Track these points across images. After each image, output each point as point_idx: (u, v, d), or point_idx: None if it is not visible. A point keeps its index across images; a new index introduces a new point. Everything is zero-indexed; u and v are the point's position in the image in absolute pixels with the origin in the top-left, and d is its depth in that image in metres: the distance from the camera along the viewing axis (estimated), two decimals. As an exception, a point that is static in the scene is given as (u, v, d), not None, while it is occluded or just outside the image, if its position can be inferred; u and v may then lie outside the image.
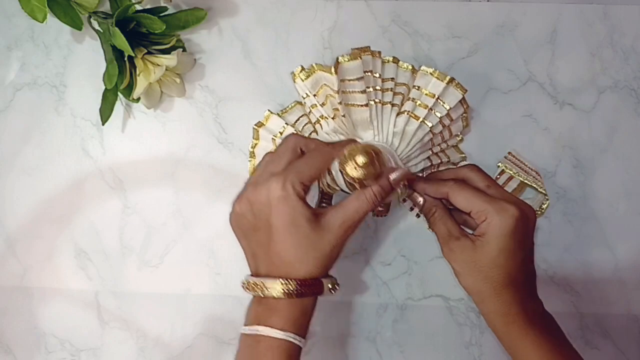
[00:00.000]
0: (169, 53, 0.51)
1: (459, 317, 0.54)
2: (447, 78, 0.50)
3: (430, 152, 0.52)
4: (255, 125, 0.55)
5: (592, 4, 0.57)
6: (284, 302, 0.42)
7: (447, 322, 0.54)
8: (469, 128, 0.55)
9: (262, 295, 0.42)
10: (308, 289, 0.42)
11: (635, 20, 0.56)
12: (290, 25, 0.57)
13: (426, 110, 0.50)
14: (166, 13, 0.53)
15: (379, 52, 0.49)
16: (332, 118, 0.49)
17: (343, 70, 0.47)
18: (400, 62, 0.51)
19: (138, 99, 0.54)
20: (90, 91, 0.56)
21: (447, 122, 0.51)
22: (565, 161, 0.55)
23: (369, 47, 0.48)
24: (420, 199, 0.48)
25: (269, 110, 0.54)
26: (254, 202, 0.43)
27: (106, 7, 0.54)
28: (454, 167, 0.53)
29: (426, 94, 0.51)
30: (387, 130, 0.49)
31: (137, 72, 0.51)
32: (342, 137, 0.49)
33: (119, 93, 0.54)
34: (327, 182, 0.48)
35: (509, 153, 0.55)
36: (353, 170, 0.43)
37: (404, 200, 0.50)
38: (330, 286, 0.44)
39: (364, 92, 0.48)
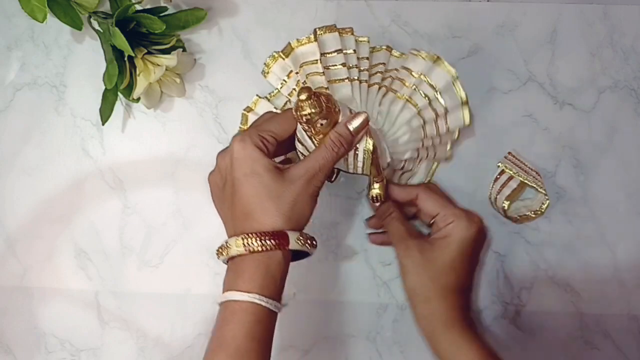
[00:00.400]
0: (169, 53, 0.52)
1: (459, 317, 0.54)
2: (435, 57, 0.50)
3: (421, 143, 0.51)
4: (244, 110, 0.54)
5: (592, 4, 0.57)
6: (248, 262, 0.41)
7: (447, 322, 0.54)
8: (471, 127, 0.54)
9: (227, 257, 0.41)
10: (270, 241, 0.40)
11: (635, 20, 0.56)
12: (290, 25, 0.57)
13: (411, 89, 0.50)
14: (166, 13, 0.53)
15: (351, 29, 0.50)
16: None
17: (321, 42, 0.48)
18: (379, 47, 0.53)
19: (138, 99, 0.54)
20: (90, 91, 0.56)
21: (440, 110, 0.51)
22: (565, 161, 0.55)
23: (334, 25, 0.50)
24: (377, 204, 0.50)
25: (257, 95, 0.54)
26: (220, 164, 0.44)
27: (106, 7, 0.54)
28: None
29: (413, 75, 0.51)
30: (372, 109, 0.50)
31: (137, 72, 0.51)
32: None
33: (119, 93, 0.54)
34: (300, 152, 0.47)
35: (509, 153, 0.55)
36: (299, 109, 0.42)
37: (374, 200, 0.50)
38: (297, 240, 0.41)
39: (344, 65, 0.49)
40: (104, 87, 0.52)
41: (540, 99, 0.56)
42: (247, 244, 0.40)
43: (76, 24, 0.52)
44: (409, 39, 0.56)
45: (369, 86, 0.50)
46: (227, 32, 0.57)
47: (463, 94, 0.51)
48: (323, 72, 0.49)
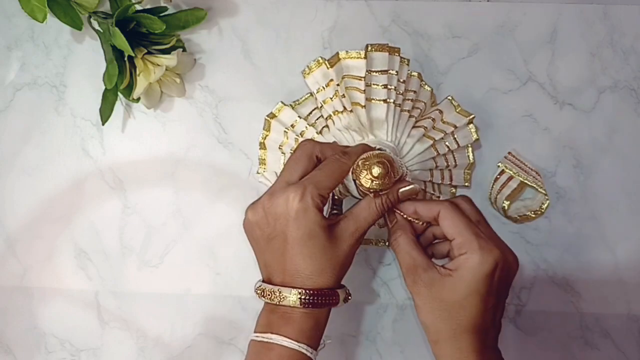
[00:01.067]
0: (169, 53, 0.51)
1: (459, 317, 0.54)
2: (470, 116, 0.52)
3: (426, 180, 0.53)
4: (267, 116, 0.54)
5: (592, 4, 0.57)
6: (298, 312, 0.42)
7: (447, 322, 0.54)
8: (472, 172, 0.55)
9: (277, 304, 0.42)
10: (324, 300, 0.42)
11: (635, 20, 0.56)
12: (290, 25, 0.57)
13: (441, 135, 0.51)
14: (166, 13, 0.53)
15: (408, 60, 0.51)
16: (350, 111, 0.49)
17: (369, 59, 0.48)
18: (423, 82, 0.53)
19: (138, 99, 0.54)
20: (90, 91, 0.56)
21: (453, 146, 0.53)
22: (565, 161, 0.55)
23: (399, 49, 0.49)
24: (394, 218, 0.46)
25: (281, 102, 0.54)
26: (270, 212, 0.43)
27: (106, 7, 0.54)
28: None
29: (444, 122, 0.52)
30: (401, 136, 0.50)
31: (137, 72, 0.51)
32: (355, 135, 0.50)
33: (119, 93, 0.54)
34: (338, 189, 0.48)
35: (509, 153, 0.55)
36: (367, 182, 0.43)
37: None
38: (344, 299, 0.44)
39: (385, 86, 0.48)
40: (104, 87, 0.52)
41: (540, 99, 0.56)
42: (304, 299, 0.42)
43: (76, 24, 0.52)
44: (409, 39, 0.56)
45: (401, 111, 0.50)
46: (227, 32, 0.57)
47: (472, 158, 0.54)
48: (364, 90, 0.48)
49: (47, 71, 0.57)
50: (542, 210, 0.54)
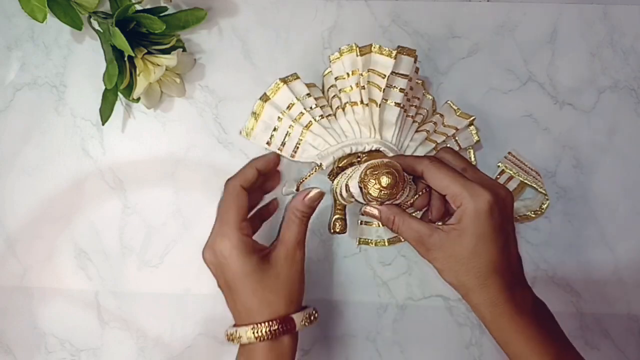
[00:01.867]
0: (169, 53, 0.51)
1: (459, 317, 0.54)
2: (471, 118, 0.52)
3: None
4: (260, 98, 0.52)
5: (592, 4, 0.57)
6: (260, 349, 0.43)
7: (447, 322, 0.54)
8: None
9: (240, 343, 0.44)
10: (278, 329, 0.43)
11: (635, 20, 0.56)
12: (290, 25, 0.57)
13: (443, 137, 0.52)
14: (166, 13, 0.53)
15: (418, 69, 0.51)
16: (366, 105, 0.49)
17: (399, 61, 0.49)
18: (425, 91, 0.54)
19: (138, 99, 0.54)
20: (90, 91, 0.56)
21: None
22: (565, 161, 0.55)
23: (415, 50, 0.50)
24: (375, 211, 0.46)
25: (280, 80, 0.52)
26: (209, 261, 0.46)
27: (106, 7, 0.54)
28: None
29: (445, 125, 0.53)
30: (405, 140, 0.51)
31: (137, 72, 0.51)
32: (364, 130, 0.50)
33: (119, 93, 0.54)
34: (343, 196, 0.47)
35: (509, 153, 0.55)
36: (376, 191, 0.43)
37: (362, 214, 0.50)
38: (303, 320, 0.45)
39: (402, 90, 0.49)
40: (104, 87, 0.52)
41: (540, 99, 0.56)
42: (257, 333, 0.43)
43: (76, 24, 0.52)
44: (409, 39, 0.56)
45: (406, 116, 0.51)
46: (227, 32, 0.57)
47: (473, 160, 0.55)
48: (384, 90, 0.48)
49: (47, 71, 0.57)
50: (542, 210, 0.54)
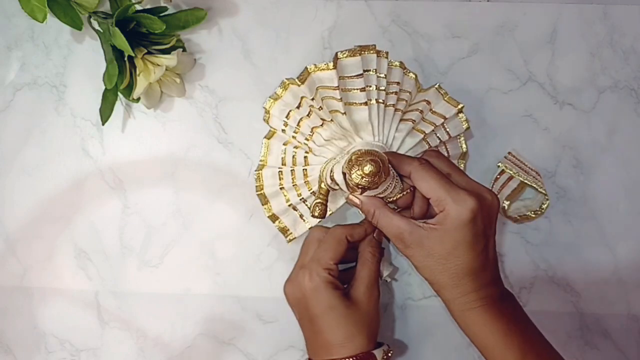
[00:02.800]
0: (169, 53, 0.51)
1: (459, 317, 0.54)
2: (459, 106, 0.51)
3: None
4: (266, 137, 0.53)
5: (592, 4, 0.57)
6: None
7: (447, 322, 0.54)
8: (471, 127, 0.54)
9: None
10: None
11: (635, 20, 0.56)
12: (290, 25, 0.57)
13: (431, 127, 0.50)
14: (166, 13, 0.53)
15: (386, 53, 0.49)
16: (330, 121, 0.48)
17: (341, 66, 0.47)
18: (406, 71, 0.51)
19: (138, 99, 0.54)
20: (90, 91, 0.56)
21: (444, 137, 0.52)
22: (565, 161, 0.55)
23: (375, 45, 0.48)
24: (357, 200, 0.47)
25: (268, 101, 0.52)
26: (291, 297, 0.48)
27: (106, 7, 0.54)
28: None
29: (433, 112, 0.51)
30: (388, 133, 0.49)
31: (137, 72, 0.51)
32: (340, 142, 0.49)
33: (119, 93, 0.54)
34: (327, 181, 0.47)
35: (509, 153, 0.55)
36: (358, 177, 0.43)
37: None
38: (383, 355, 0.46)
39: (363, 90, 0.47)
40: (104, 87, 0.52)
41: (540, 99, 0.56)
42: None
43: (76, 24, 0.52)
44: (409, 39, 0.56)
45: (385, 107, 0.49)
46: (227, 32, 0.57)
47: (464, 147, 0.54)
48: (340, 98, 0.47)
49: (47, 71, 0.57)
50: (542, 210, 0.54)
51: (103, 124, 0.54)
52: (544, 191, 0.53)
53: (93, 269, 0.55)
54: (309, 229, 0.52)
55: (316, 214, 0.48)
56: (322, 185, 0.48)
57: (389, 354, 0.48)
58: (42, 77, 0.57)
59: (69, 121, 0.56)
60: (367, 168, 0.42)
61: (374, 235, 0.50)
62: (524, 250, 0.55)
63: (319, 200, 0.48)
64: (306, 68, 0.47)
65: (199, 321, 0.55)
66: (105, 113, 0.53)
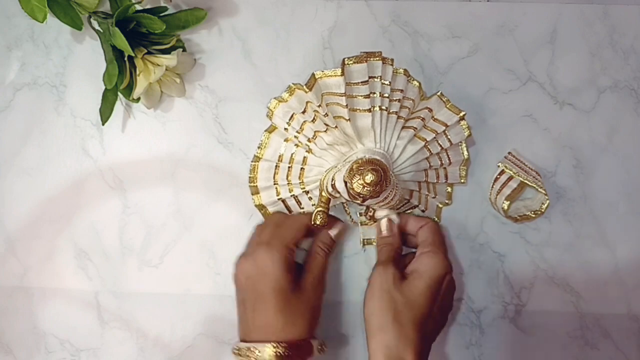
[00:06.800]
0: (169, 53, 0.51)
1: (459, 317, 0.54)
2: (461, 113, 0.51)
3: (421, 180, 0.53)
4: (267, 130, 0.53)
5: (592, 4, 0.57)
6: None
7: (447, 322, 0.54)
8: (471, 127, 0.54)
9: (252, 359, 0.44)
10: (298, 351, 0.44)
11: (635, 20, 0.56)
12: (290, 25, 0.57)
13: (433, 135, 0.51)
14: (166, 13, 0.53)
15: (392, 60, 0.49)
16: (334, 127, 0.48)
17: (348, 72, 0.47)
18: (410, 78, 0.51)
19: (138, 99, 0.54)
20: (90, 91, 0.56)
21: (446, 144, 0.52)
22: (565, 161, 0.55)
23: (381, 52, 0.48)
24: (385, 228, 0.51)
25: (272, 101, 0.52)
26: (244, 270, 0.47)
27: (106, 7, 0.54)
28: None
29: (435, 120, 0.51)
30: (390, 141, 0.49)
31: (137, 72, 0.51)
32: (342, 148, 0.49)
33: (119, 93, 0.54)
34: (328, 189, 0.47)
35: (509, 153, 0.55)
36: (359, 187, 0.43)
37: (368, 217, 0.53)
38: (317, 348, 0.46)
39: (368, 96, 0.47)
40: (104, 87, 0.52)
41: (540, 99, 0.56)
42: (279, 353, 0.44)
43: (76, 24, 0.52)
44: (409, 39, 0.56)
45: (388, 114, 0.49)
46: (227, 32, 0.57)
47: (466, 154, 0.54)
48: (346, 105, 0.47)
49: (47, 71, 0.57)
50: (542, 210, 0.54)
51: (103, 124, 0.54)
52: (544, 191, 0.53)
53: (93, 269, 0.55)
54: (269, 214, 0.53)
55: (318, 222, 0.48)
56: (323, 194, 0.49)
57: (323, 347, 0.48)
58: (42, 77, 0.57)
59: (69, 121, 0.56)
60: (369, 177, 0.43)
61: (330, 231, 0.51)
62: (524, 250, 0.55)
63: (320, 209, 0.49)
64: (313, 74, 0.48)
65: (199, 321, 0.55)
66: (105, 113, 0.54)
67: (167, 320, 0.55)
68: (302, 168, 0.52)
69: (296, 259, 0.50)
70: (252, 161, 0.53)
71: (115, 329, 0.55)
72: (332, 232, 0.52)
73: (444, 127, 0.51)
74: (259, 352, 0.44)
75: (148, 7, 0.53)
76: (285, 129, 0.51)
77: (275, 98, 0.51)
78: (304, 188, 0.52)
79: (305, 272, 0.48)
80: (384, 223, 0.51)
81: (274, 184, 0.53)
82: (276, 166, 0.53)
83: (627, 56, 0.56)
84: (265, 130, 0.53)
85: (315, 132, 0.50)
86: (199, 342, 0.55)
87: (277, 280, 0.46)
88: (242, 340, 0.46)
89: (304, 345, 0.45)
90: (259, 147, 0.53)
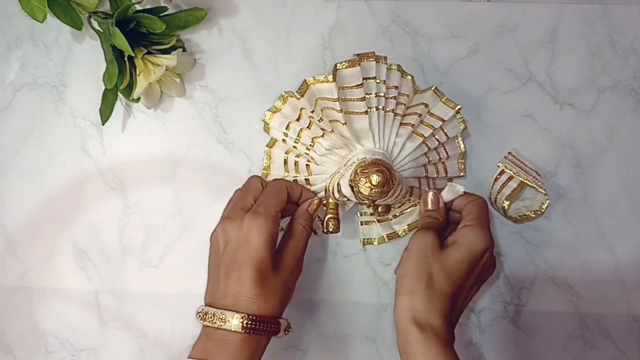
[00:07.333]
0: (169, 53, 0.51)
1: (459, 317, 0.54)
2: (457, 107, 0.51)
3: (421, 176, 0.53)
4: (267, 146, 0.54)
5: (592, 4, 0.57)
6: (236, 339, 0.42)
7: (447, 322, 0.54)
8: (471, 127, 0.54)
9: (218, 327, 0.42)
10: (265, 326, 0.43)
11: (635, 20, 0.56)
12: (290, 25, 0.57)
13: (430, 130, 0.51)
14: (166, 13, 0.53)
15: (385, 58, 0.49)
16: (331, 131, 0.48)
17: (341, 77, 0.47)
18: (404, 73, 0.51)
19: (138, 99, 0.54)
20: (90, 91, 0.56)
21: (443, 139, 0.52)
22: (565, 161, 0.55)
23: (374, 52, 0.48)
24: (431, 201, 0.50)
25: (266, 114, 0.53)
26: (225, 235, 0.45)
27: (106, 7, 0.54)
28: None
29: (431, 115, 0.51)
30: (389, 139, 0.49)
31: (137, 72, 0.51)
32: (341, 151, 0.49)
33: (119, 93, 0.54)
34: (335, 195, 0.47)
35: (509, 153, 0.55)
36: (367, 190, 0.43)
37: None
38: (284, 329, 0.45)
39: (363, 99, 0.47)
40: (104, 87, 0.52)
41: (540, 99, 0.56)
42: (246, 324, 0.42)
43: (76, 24, 0.52)
44: (409, 39, 0.56)
45: (385, 112, 0.49)
46: (227, 32, 0.57)
47: (462, 147, 0.54)
48: (340, 109, 0.47)
49: (47, 71, 0.57)
50: (542, 210, 0.54)
51: (103, 124, 0.54)
52: (544, 191, 0.53)
53: (93, 269, 0.55)
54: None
55: (330, 229, 0.48)
56: (330, 200, 0.48)
57: (290, 328, 0.46)
58: (42, 77, 0.57)
59: (69, 121, 0.56)
60: (375, 178, 0.42)
61: (308, 208, 0.50)
62: (524, 250, 0.55)
63: (331, 216, 0.49)
64: (305, 80, 0.48)
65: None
66: (105, 113, 0.53)
67: (167, 320, 0.55)
68: (306, 178, 0.52)
69: None
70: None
71: (115, 329, 0.55)
72: (310, 208, 0.50)
73: (440, 122, 0.51)
74: (226, 319, 0.42)
75: (148, 7, 0.53)
76: (284, 140, 0.51)
77: (269, 110, 0.52)
78: None
79: (285, 250, 0.47)
80: (430, 196, 0.50)
81: None
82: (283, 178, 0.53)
83: (627, 56, 0.56)
84: (266, 146, 0.54)
85: (312, 138, 0.50)
86: (199, 342, 0.55)
87: (259, 251, 0.44)
88: (209, 305, 0.44)
89: (272, 323, 0.43)
90: (263, 168, 0.54)
